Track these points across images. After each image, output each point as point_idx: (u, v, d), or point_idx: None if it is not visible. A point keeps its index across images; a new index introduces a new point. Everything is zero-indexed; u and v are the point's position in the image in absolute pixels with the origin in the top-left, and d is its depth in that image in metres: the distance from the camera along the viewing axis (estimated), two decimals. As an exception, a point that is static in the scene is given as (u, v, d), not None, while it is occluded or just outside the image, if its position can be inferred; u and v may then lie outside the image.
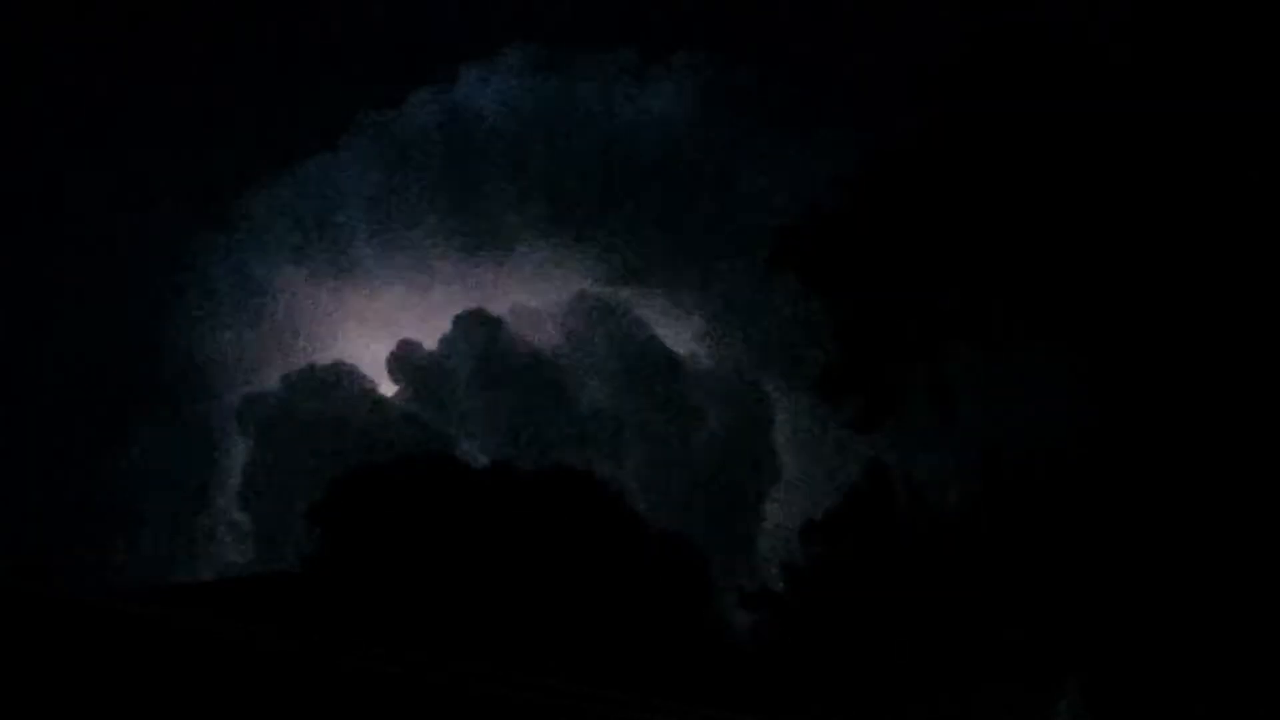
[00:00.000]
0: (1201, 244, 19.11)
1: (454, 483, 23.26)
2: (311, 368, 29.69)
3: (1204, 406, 18.76)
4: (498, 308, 30.43)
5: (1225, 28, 18.85)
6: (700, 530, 25.65)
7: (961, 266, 19.61)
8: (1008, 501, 20.00)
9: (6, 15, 28.02)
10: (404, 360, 29.93)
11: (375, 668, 12.41)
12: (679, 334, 30.55)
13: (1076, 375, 19.97)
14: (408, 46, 31.20)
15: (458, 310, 30.33)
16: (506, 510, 22.59)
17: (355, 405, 29.08)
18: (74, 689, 12.01)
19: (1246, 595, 18.41)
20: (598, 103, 31.91)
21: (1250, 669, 18.04)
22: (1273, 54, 18.54)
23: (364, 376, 29.80)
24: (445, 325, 30.20)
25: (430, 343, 30.19)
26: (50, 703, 11.91)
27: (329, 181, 31.38)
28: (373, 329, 30.89)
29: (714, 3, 31.31)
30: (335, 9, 30.67)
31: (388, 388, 29.94)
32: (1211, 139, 18.91)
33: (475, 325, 29.94)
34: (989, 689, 19.32)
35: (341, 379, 29.54)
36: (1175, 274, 19.08)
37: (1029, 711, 19.50)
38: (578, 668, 15.44)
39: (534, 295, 30.94)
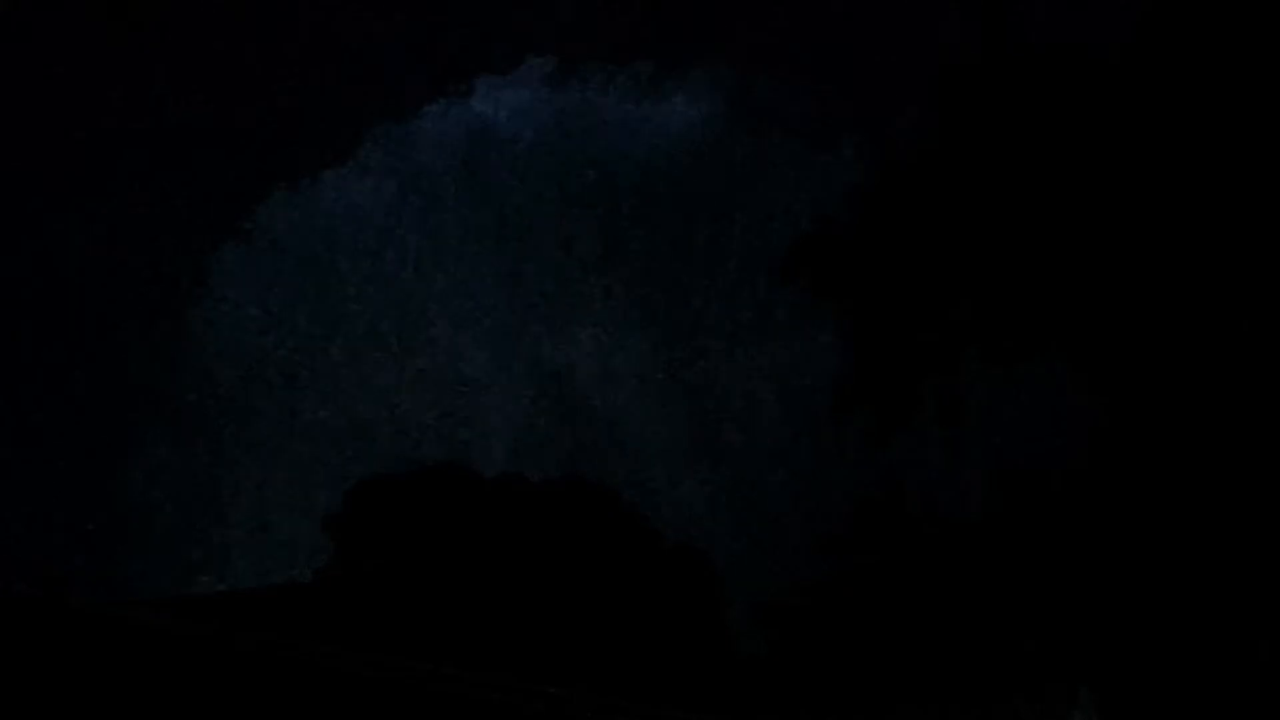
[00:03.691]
0: (1218, 256, 19.07)
1: (468, 493, 23.28)
2: (327, 378, 29.69)
3: (1219, 419, 18.72)
4: (516, 316, 30.44)
5: (1232, 38, 18.85)
6: (714, 542, 25.62)
7: (973, 278, 19.63)
8: (1020, 513, 19.98)
9: (22, 24, 28.12)
10: (422, 369, 29.95)
11: (389, 677, 12.40)
12: (693, 345, 30.55)
13: (1089, 387, 19.96)
14: (423, 59, 31.24)
15: (476, 319, 30.35)
16: (521, 521, 22.59)
17: (371, 415, 29.09)
18: (85, 698, 12.02)
19: (1261, 607, 18.35)
20: (614, 115, 31.94)
21: (1263, 681, 17.99)
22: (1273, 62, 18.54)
23: (379, 386, 29.83)
24: (463, 334, 30.22)
25: (448, 350, 30.21)
26: (61, 712, 11.93)
27: (345, 193, 31.42)
28: (390, 338, 30.90)
29: (731, 16, 31.34)
30: (350, 20, 30.72)
31: (403, 397, 29.94)
32: (1224, 150, 18.89)
33: (492, 332, 29.97)
34: (1001, 700, 19.27)
35: (358, 389, 29.56)
36: (1191, 286, 19.05)
37: (1042, 724, 19.45)
38: (591, 678, 15.42)
39: (552, 304, 30.96)
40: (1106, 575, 19.11)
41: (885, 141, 24.00)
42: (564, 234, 31.12)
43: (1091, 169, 19.34)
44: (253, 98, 29.96)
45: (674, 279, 30.78)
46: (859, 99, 28.26)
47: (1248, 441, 18.30)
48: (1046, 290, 19.48)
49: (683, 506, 28.03)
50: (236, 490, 28.79)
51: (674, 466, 29.13)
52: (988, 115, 19.87)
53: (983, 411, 20.36)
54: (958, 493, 21.55)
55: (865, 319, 20.42)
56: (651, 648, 21.27)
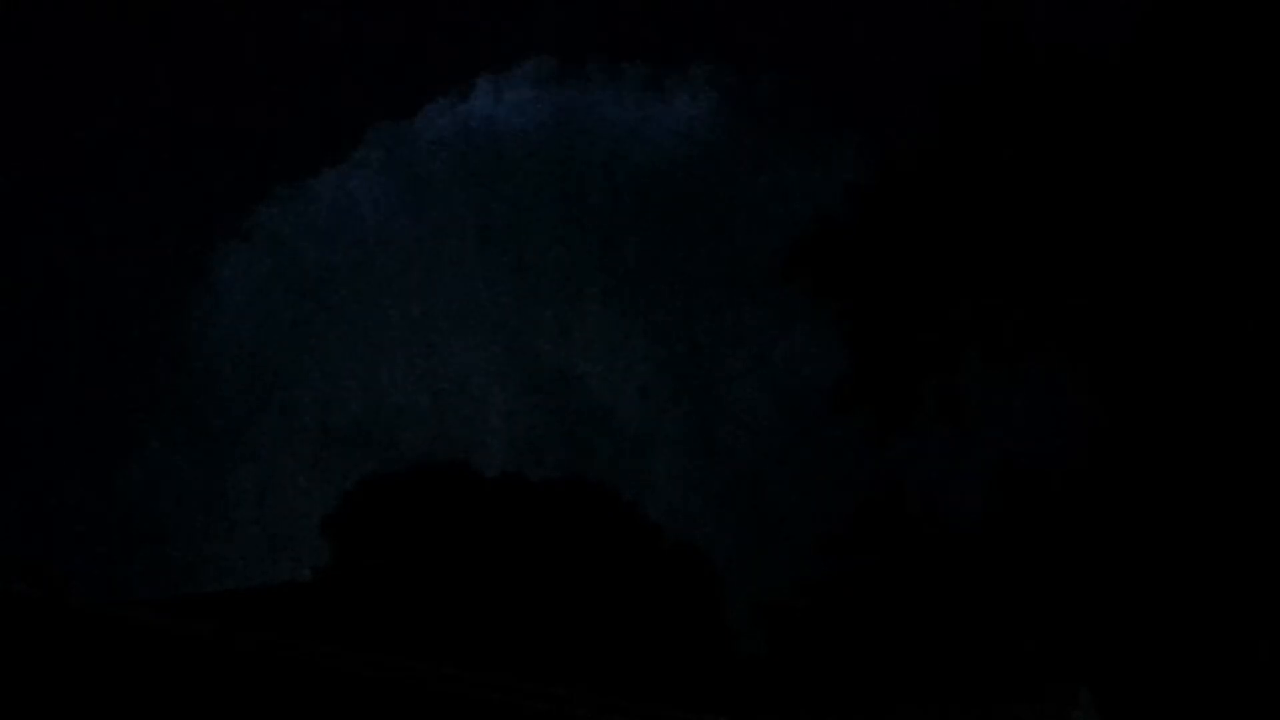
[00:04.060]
0: (1219, 255, 19.07)
1: (467, 493, 23.26)
2: (327, 377, 29.71)
3: (1221, 418, 18.71)
4: (516, 315, 30.44)
5: (1233, 41, 18.85)
6: (714, 541, 25.63)
7: (974, 276, 19.61)
8: (1020, 512, 19.97)
9: (22, 24, 28.13)
10: (422, 369, 29.97)
11: (389, 677, 12.38)
12: (692, 344, 30.55)
13: (1090, 386, 19.94)
14: (423, 58, 31.23)
15: (476, 319, 30.35)
16: (521, 520, 22.58)
17: (371, 414, 29.10)
18: (85, 698, 12.01)
19: (1261, 607, 18.35)
20: (613, 114, 31.95)
21: (1263, 681, 17.99)
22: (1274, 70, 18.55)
23: (379, 385, 29.85)
24: (465, 334, 30.22)
25: (448, 350, 30.20)
26: (61, 712, 11.90)
27: (345, 192, 31.44)
28: (390, 338, 30.92)
29: (731, 15, 31.31)
30: (349, 20, 30.73)
31: (403, 398, 29.95)
32: (1224, 150, 18.88)
33: (492, 331, 29.97)
34: (1001, 701, 19.25)
35: (358, 389, 29.57)
36: (1192, 286, 19.04)
37: (1042, 724, 19.43)
38: (591, 677, 15.41)
39: (552, 303, 30.94)
40: (1107, 575, 19.09)
41: (885, 140, 24.00)
42: (564, 232, 31.12)
43: (1091, 169, 19.32)
44: (253, 97, 29.96)
45: (674, 277, 30.78)
46: (859, 98, 28.27)
47: (1248, 442, 18.29)
48: (1047, 290, 19.48)
49: (682, 506, 28.05)
50: (236, 490, 28.81)
51: (674, 466, 29.15)
52: (988, 115, 19.86)
53: (983, 411, 20.35)
54: (958, 492, 21.53)
55: (865, 318, 20.40)
56: (651, 647, 21.26)
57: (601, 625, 21.33)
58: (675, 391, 29.73)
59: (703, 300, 30.77)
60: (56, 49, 28.94)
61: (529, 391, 29.55)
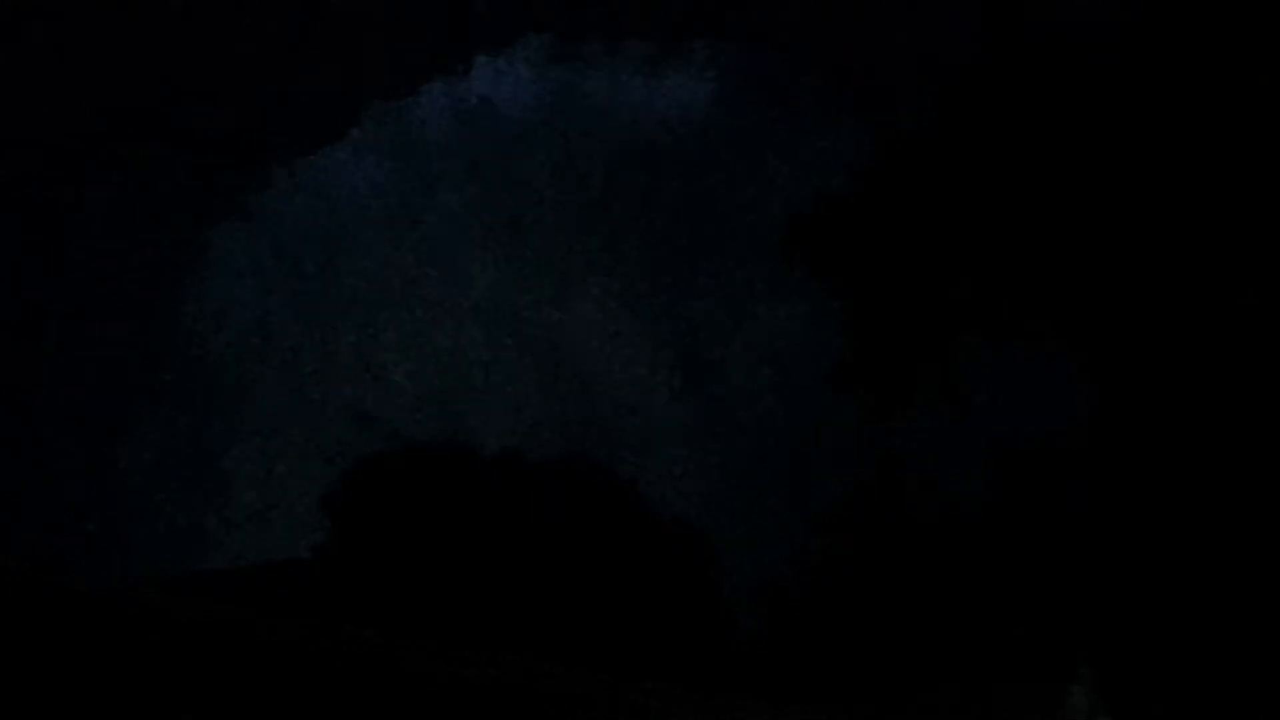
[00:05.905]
0: (1218, 233, 19.07)
1: (466, 471, 23.28)
2: (326, 356, 29.68)
3: (1220, 400, 18.72)
4: (515, 294, 30.42)
5: (1230, 27, 18.84)
6: (712, 520, 25.64)
7: (974, 257, 19.63)
8: (1021, 491, 19.99)
9: (12, 10, 28.03)
10: (420, 348, 29.94)
11: (387, 656, 12.40)
12: (692, 323, 30.52)
13: (1089, 368, 19.96)
14: (420, 37, 31.12)
15: (474, 298, 30.33)
16: (520, 498, 22.60)
17: (370, 393, 29.07)
18: (84, 680, 12.02)
19: (1257, 589, 18.37)
20: (613, 93, 31.87)
21: (1258, 661, 18.01)
22: (1273, 53, 18.53)
23: (378, 364, 29.81)
24: (462, 313, 30.20)
25: (447, 329, 30.19)
26: (60, 694, 11.92)
27: (342, 171, 31.36)
28: (389, 317, 30.88)
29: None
30: (347, -1, 30.59)
31: (402, 378, 29.92)
32: (1222, 134, 18.87)
33: (491, 310, 29.94)
34: (1001, 679, 19.29)
35: (357, 367, 29.54)
36: (1192, 266, 19.05)
37: (1041, 703, 19.47)
38: (589, 656, 15.44)
39: (551, 283, 30.92)
40: (1107, 553, 19.12)
41: (885, 121, 23.98)
42: (563, 212, 31.06)
43: (1092, 149, 19.33)
44: (249, 76, 29.86)
45: (673, 256, 30.73)
46: (860, 77, 28.18)
47: (1251, 420, 18.31)
48: (1047, 269, 19.49)
49: (681, 483, 28.03)
50: (235, 468, 28.77)
51: (672, 443, 29.11)
52: (989, 95, 19.87)
53: (983, 390, 20.37)
54: (957, 471, 21.55)
55: (865, 297, 20.43)
56: (650, 624, 21.31)
57: (601, 603, 21.35)
58: (673, 370, 29.71)
59: (701, 279, 30.74)
60: (53, 29, 28.84)
61: (527, 370, 29.51)
